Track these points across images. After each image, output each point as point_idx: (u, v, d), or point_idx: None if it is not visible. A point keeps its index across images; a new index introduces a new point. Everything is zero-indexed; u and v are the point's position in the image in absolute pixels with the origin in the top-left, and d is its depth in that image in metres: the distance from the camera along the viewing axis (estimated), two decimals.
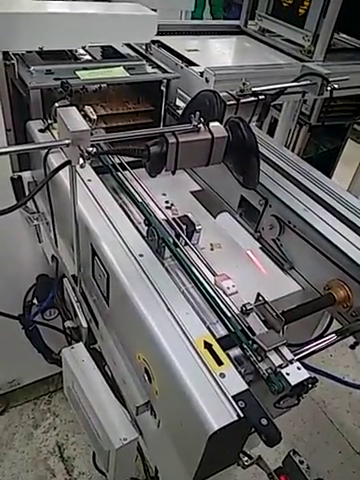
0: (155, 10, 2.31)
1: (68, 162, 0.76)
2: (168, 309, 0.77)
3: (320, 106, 2.36)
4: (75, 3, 1.50)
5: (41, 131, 1.23)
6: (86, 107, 1.20)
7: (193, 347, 0.72)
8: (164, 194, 1.41)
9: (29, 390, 2.10)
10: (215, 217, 1.41)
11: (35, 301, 1.62)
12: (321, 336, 1.17)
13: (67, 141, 0.73)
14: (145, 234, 1.04)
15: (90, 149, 0.72)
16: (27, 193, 1.36)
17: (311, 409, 2.25)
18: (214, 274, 0.94)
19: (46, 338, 1.71)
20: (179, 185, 1.46)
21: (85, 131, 0.72)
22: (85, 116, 1.20)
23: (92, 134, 0.75)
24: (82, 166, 0.73)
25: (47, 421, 2.06)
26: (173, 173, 0.90)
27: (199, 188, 1.49)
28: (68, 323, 1.15)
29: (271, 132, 2.71)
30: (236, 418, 0.64)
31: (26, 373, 2.00)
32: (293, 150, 2.70)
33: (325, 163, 2.88)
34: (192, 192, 1.46)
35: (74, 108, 0.77)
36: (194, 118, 0.84)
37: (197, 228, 1.13)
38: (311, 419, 2.22)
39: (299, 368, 0.77)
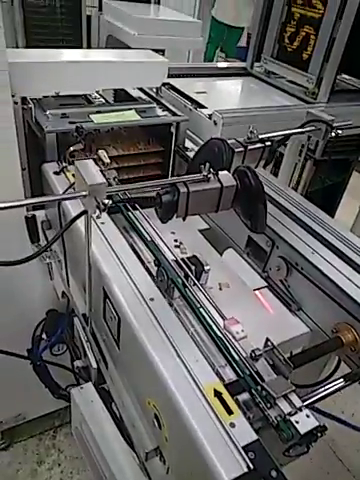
0: (163, 51, 2.41)
1: (85, 212, 0.80)
2: (178, 356, 0.79)
3: (325, 142, 2.42)
4: (90, 51, 1.59)
5: (56, 173, 1.28)
6: (100, 151, 1.25)
7: (203, 395, 0.73)
8: (173, 232, 1.44)
9: (34, 425, 2.08)
10: (221, 254, 1.43)
11: (44, 336, 1.63)
12: (329, 377, 1.17)
13: (84, 193, 0.77)
14: (155, 274, 1.07)
15: (106, 201, 0.75)
16: (40, 232, 1.40)
17: (319, 447, 2.20)
18: (223, 317, 0.95)
19: (53, 373, 1.71)
20: (188, 224, 1.48)
21: (102, 184, 0.76)
22: (99, 160, 1.25)
23: (110, 184, 0.79)
24: (98, 217, 0.77)
25: (51, 457, 2.03)
26: (184, 219, 0.94)
27: (207, 226, 1.52)
28: (77, 363, 1.16)
29: (277, 166, 2.77)
30: (246, 470, 0.65)
31: (32, 408, 1.99)
32: (298, 183, 2.75)
33: (331, 196, 2.92)
34: (200, 230, 1.49)
35: (91, 161, 0.81)
36: (204, 169, 0.88)
37: (206, 268, 1.16)
38: (319, 458, 2.16)
39: (308, 416, 0.77)
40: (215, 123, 1.49)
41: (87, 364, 1.14)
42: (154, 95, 1.71)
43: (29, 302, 1.63)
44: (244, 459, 0.66)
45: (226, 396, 0.74)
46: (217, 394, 0.74)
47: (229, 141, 1.07)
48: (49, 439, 2.10)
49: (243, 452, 0.67)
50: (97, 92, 1.68)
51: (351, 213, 2.97)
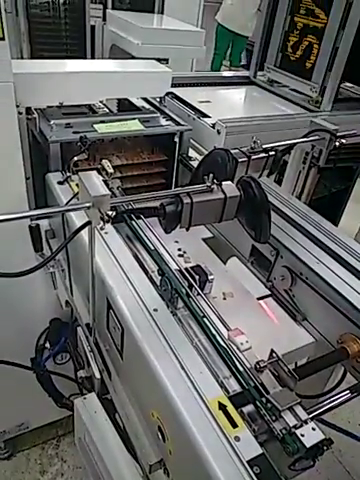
0: (167, 60, 2.42)
1: (89, 223, 0.80)
2: (182, 368, 0.78)
3: (328, 151, 2.42)
4: (94, 61, 1.60)
5: (60, 183, 1.29)
6: (103, 161, 1.25)
7: (208, 408, 0.72)
8: (176, 241, 1.44)
9: (37, 434, 2.07)
10: (225, 262, 1.43)
11: (47, 345, 1.63)
12: (335, 388, 1.16)
13: (88, 204, 0.77)
14: (158, 283, 1.06)
15: (110, 212, 0.75)
16: (44, 240, 1.40)
17: (326, 458, 2.16)
18: (227, 328, 0.95)
19: (57, 382, 1.70)
20: (191, 232, 1.47)
21: (105, 195, 0.76)
22: (102, 169, 1.26)
23: (114, 194, 0.79)
24: (102, 228, 0.77)
25: (55, 467, 2.02)
26: (187, 230, 0.94)
27: (211, 235, 1.52)
28: (81, 373, 1.15)
29: (281, 173, 2.77)
30: None
31: (35, 417, 1.98)
32: (302, 191, 2.75)
33: (335, 203, 2.91)
34: (204, 239, 1.49)
35: (95, 172, 0.81)
36: (208, 179, 0.88)
37: (210, 278, 1.16)
38: (325, 468, 2.14)
39: (314, 429, 0.76)
40: (218, 132, 1.49)
41: (90, 374, 1.13)
42: (158, 104, 1.72)
43: (32, 311, 1.63)
44: (249, 474, 0.65)
45: (231, 409, 0.73)
46: (222, 407, 0.73)
47: (232, 151, 1.07)
48: (52, 448, 2.09)
49: (248, 466, 0.66)
50: (101, 102, 1.69)
51: (355, 220, 2.96)
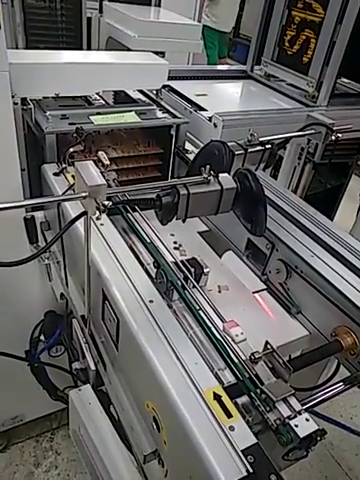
0: (164, 53, 2.41)
1: (84, 213, 0.80)
2: (178, 358, 0.78)
3: (324, 146, 2.42)
4: (90, 53, 1.59)
5: (55, 175, 1.28)
6: (100, 153, 1.24)
7: (203, 398, 0.72)
8: (172, 234, 1.44)
9: (31, 426, 2.07)
10: (220, 256, 1.43)
11: (42, 337, 1.63)
12: (329, 381, 1.17)
13: (84, 194, 0.76)
14: (154, 275, 1.06)
15: (106, 202, 0.75)
16: (39, 232, 1.39)
17: (318, 451, 2.19)
18: (223, 320, 0.95)
19: (51, 374, 1.70)
20: (187, 226, 1.47)
21: (102, 185, 0.75)
22: (98, 161, 1.25)
23: (110, 187, 0.79)
24: (98, 218, 0.77)
25: (49, 459, 2.02)
26: (183, 221, 0.93)
27: (207, 229, 1.52)
28: (76, 364, 1.15)
29: (276, 168, 2.77)
30: (245, 474, 0.64)
31: (29, 409, 1.98)
32: (297, 186, 2.76)
33: (330, 199, 2.92)
34: (199, 232, 1.49)
35: (91, 162, 0.81)
36: (204, 171, 0.88)
37: (205, 271, 1.16)
38: (318, 462, 2.16)
39: (308, 419, 0.77)
40: (215, 125, 1.49)
41: (85, 366, 1.13)
42: (154, 97, 1.71)
43: (27, 303, 1.62)
44: (243, 463, 0.66)
45: (225, 399, 0.73)
46: (216, 397, 0.73)
47: (229, 144, 1.07)
48: (46, 441, 2.09)
49: (242, 456, 0.67)
50: (97, 93, 1.68)
51: (350, 216, 2.98)
